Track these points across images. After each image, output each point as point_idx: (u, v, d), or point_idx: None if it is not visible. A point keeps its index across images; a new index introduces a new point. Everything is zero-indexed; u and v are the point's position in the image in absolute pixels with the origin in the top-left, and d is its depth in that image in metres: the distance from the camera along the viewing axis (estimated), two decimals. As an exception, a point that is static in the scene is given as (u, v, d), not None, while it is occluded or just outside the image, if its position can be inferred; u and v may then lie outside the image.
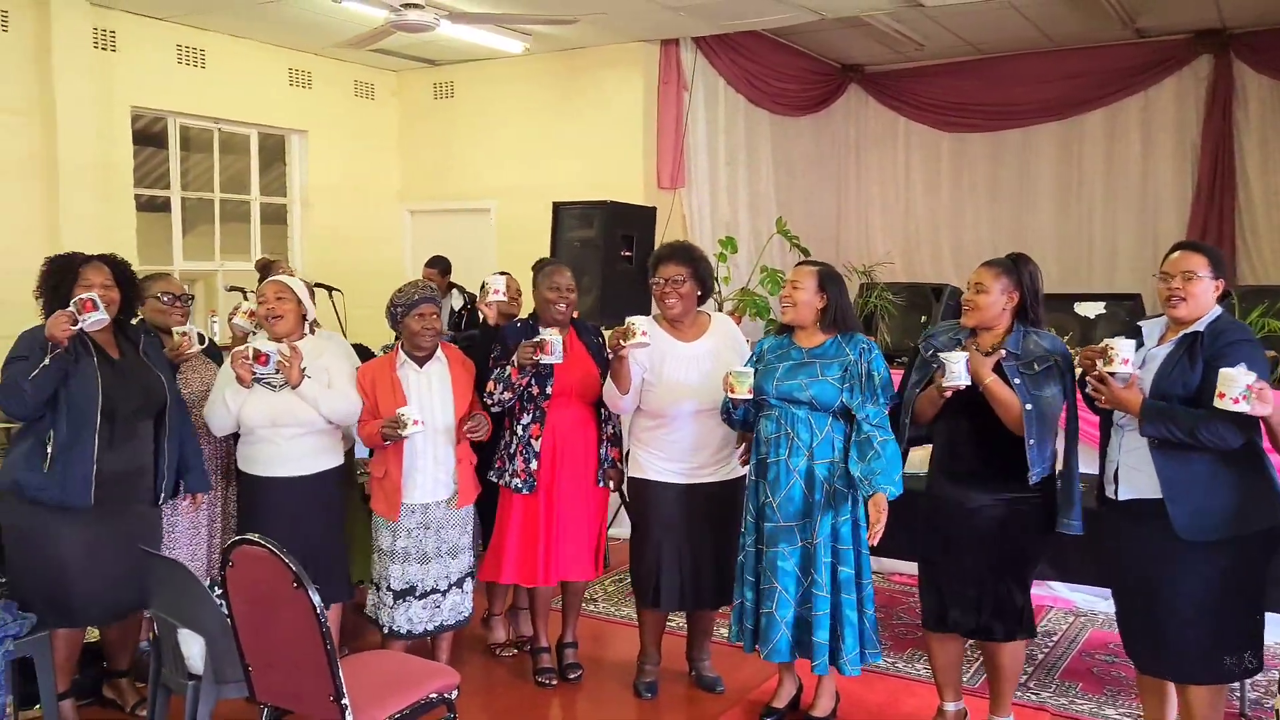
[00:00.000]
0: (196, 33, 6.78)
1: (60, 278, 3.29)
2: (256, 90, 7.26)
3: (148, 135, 6.92)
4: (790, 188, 8.75)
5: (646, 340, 3.40)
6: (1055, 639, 4.41)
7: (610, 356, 3.54)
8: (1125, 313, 5.21)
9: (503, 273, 4.42)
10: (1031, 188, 8.91)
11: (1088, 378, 2.99)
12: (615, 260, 5.82)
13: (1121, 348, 2.87)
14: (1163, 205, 8.37)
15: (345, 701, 2.59)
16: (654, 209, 6.34)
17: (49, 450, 3.21)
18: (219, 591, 2.95)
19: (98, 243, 5.53)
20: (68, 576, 3.28)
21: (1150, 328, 3.08)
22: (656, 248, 3.89)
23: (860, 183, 9.62)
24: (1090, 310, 5.37)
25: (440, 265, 6.55)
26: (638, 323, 3.39)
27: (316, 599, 2.55)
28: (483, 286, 4.31)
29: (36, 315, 3.29)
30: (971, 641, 3.44)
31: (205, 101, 6.95)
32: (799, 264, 3.49)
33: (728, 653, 3.98)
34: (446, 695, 2.92)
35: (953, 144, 9.24)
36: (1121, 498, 2.99)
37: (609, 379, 3.62)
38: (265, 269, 5.51)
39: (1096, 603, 4.77)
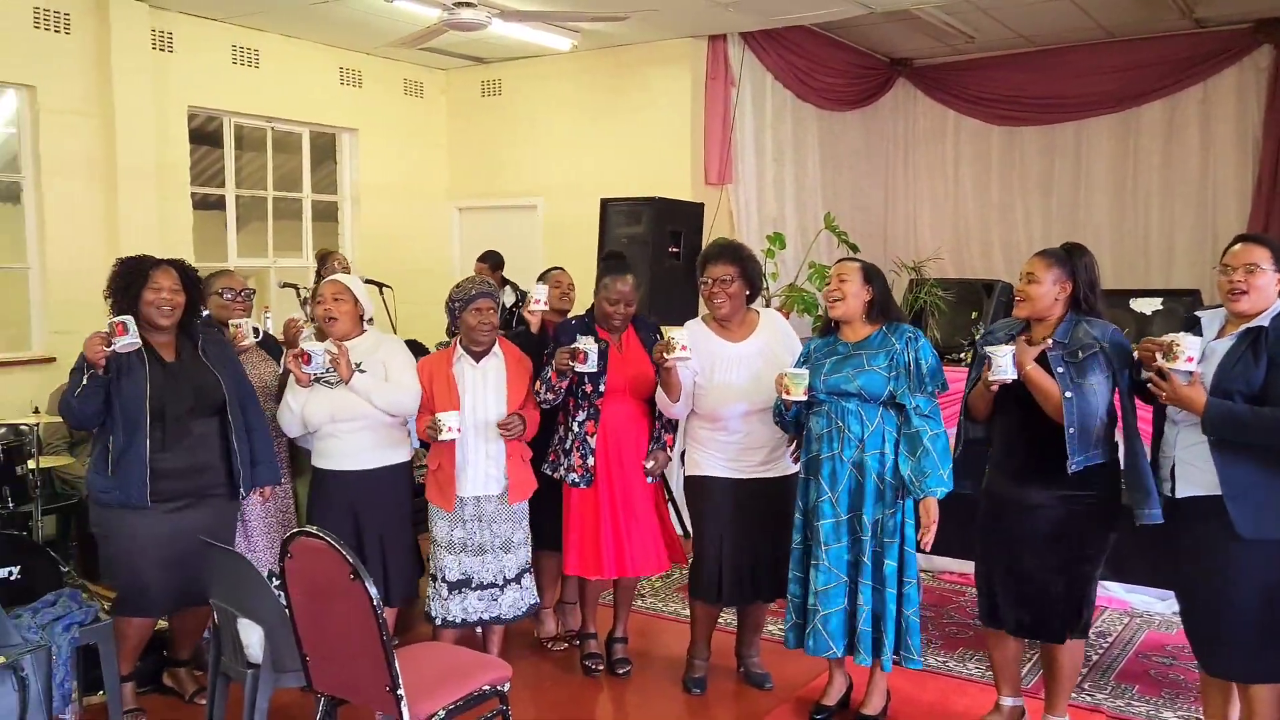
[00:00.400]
0: (251, 33, 6.88)
1: (130, 280, 3.39)
2: (309, 89, 7.36)
3: (201, 134, 7.04)
4: (837, 183, 8.67)
5: (687, 354, 3.41)
6: (1110, 640, 4.34)
7: (659, 369, 3.55)
8: (1183, 308, 5.12)
9: (555, 268, 4.43)
10: (1086, 182, 8.73)
11: (1147, 371, 2.93)
12: (663, 257, 5.82)
13: (1188, 345, 2.80)
14: (1222, 199, 8.17)
15: (400, 692, 2.63)
16: (701, 205, 6.33)
17: (110, 455, 3.34)
18: (277, 582, 3.02)
19: (156, 242, 5.70)
20: (140, 570, 3.40)
21: (1209, 319, 3.00)
22: (705, 246, 3.87)
23: (909, 178, 9.50)
24: (1147, 306, 5.28)
25: (491, 260, 6.49)
26: (677, 336, 3.38)
27: (374, 591, 2.58)
28: (525, 295, 4.30)
29: (103, 314, 3.38)
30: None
31: (259, 100, 7.05)
32: (841, 260, 3.48)
33: (776, 649, 3.97)
34: (499, 688, 2.94)
35: (1003, 138, 9.09)
36: (1179, 495, 2.93)
37: (660, 389, 3.63)
38: (323, 259, 5.59)
39: (1153, 604, 4.70)
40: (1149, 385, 2.91)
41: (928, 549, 3.23)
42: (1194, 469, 2.89)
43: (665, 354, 3.39)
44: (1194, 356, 2.79)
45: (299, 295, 5.90)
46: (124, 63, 6.04)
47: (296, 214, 7.71)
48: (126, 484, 3.33)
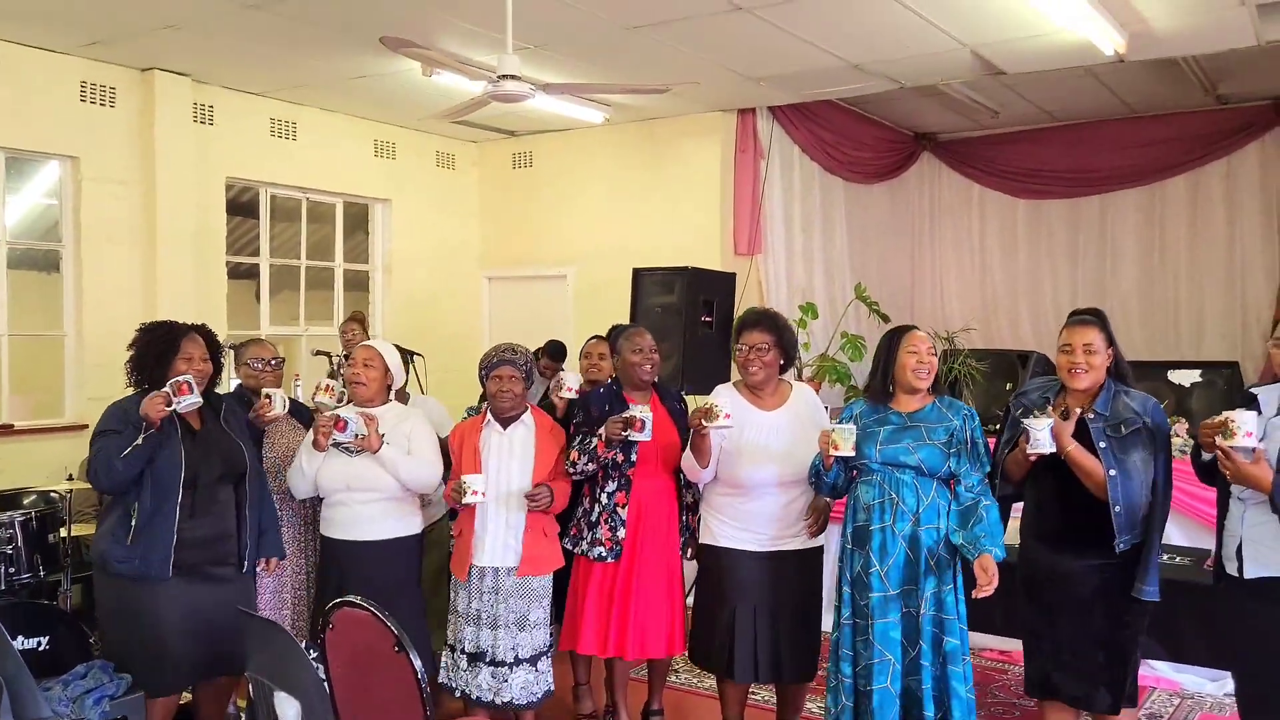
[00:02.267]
0: (290, 106, 7.03)
1: (163, 349, 3.36)
2: (344, 161, 7.48)
3: (236, 204, 7.16)
4: (865, 254, 8.71)
5: (729, 423, 3.36)
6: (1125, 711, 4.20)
7: (693, 434, 3.50)
8: (1223, 380, 5.07)
9: (593, 337, 4.42)
10: (1113, 253, 8.73)
11: (1209, 451, 2.88)
12: (696, 326, 5.82)
13: (1243, 421, 2.74)
14: (1250, 272, 8.15)
15: (443, 770, 2.55)
16: (734, 274, 6.35)
17: (133, 522, 3.28)
18: (313, 654, 2.96)
19: (194, 309, 5.75)
20: (159, 645, 3.32)
21: (1267, 395, 2.96)
22: (740, 313, 3.85)
23: (935, 249, 9.52)
24: (1185, 379, 5.23)
25: (551, 350, 6.22)
26: (721, 404, 3.33)
27: (418, 664, 2.52)
28: (558, 380, 4.25)
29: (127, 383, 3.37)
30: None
31: (295, 171, 7.17)
32: (913, 329, 3.36)
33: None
34: (540, 767, 2.86)
35: (1029, 210, 9.13)
36: (1248, 576, 2.85)
37: (688, 451, 3.58)
38: (353, 320, 5.61)
39: (1204, 684, 4.55)
40: (1220, 468, 2.83)
41: (986, 593, 3.11)
42: (1264, 549, 2.83)
43: (705, 420, 3.34)
44: (1252, 431, 2.73)
45: (331, 363, 5.92)
46: (166, 135, 6.17)
47: (328, 283, 7.78)
48: (148, 555, 3.26)
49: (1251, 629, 2.88)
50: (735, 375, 3.73)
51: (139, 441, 3.20)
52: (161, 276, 6.12)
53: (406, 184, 7.95)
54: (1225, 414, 2.80)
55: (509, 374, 3.64)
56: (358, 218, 7.95)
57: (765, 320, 3.62)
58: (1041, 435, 2.92)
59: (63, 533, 4.64)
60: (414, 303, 7.97)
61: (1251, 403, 2.96)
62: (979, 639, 4.89)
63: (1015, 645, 4.84)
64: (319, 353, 5.92)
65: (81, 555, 5.13)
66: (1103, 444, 2.96)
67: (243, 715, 3.98)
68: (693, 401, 3.46)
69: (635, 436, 3.49)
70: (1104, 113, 8.36)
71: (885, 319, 7.07)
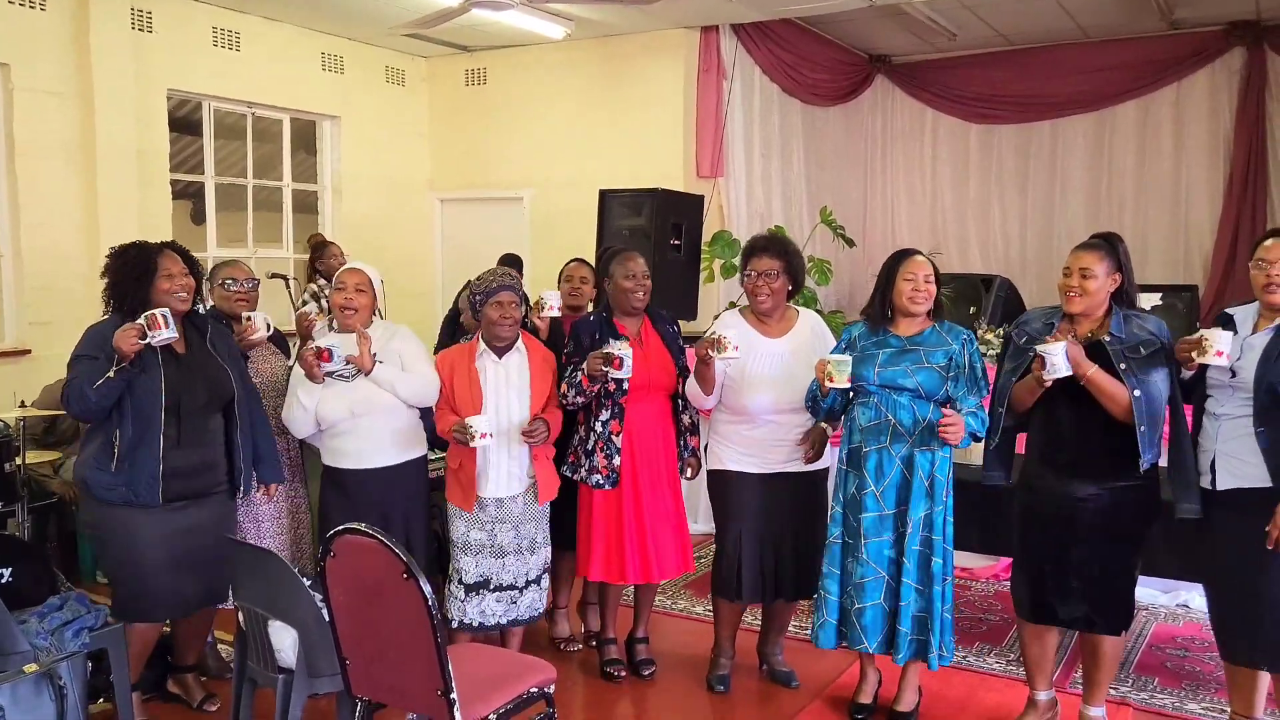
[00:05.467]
0: (233, 15, 6.68)
1: (142, 270, 3.18)
2: (290, 74, 7.17)
3: (179, 121, 6.81)
4: (821, 178, 8.70)
5: (738, 355, 3.32)
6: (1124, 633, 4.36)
7: (697, 362, 3.46)
8: (1183, 304, 5.18)
9: (573, 260, 4.32)
10: (1062, 180, 8.87)
11: (1187, 370, 2.99)
12: (665, 249, 5.75)
13: (1216, 338, 2.85)
14: (1195, 198, 8.35)
15: (454, 696, 2.52)
16: (701, 197, 6.28)
17: (116, 450, 3.16)
18: (309, 583, 2.90)
19: (137, 230, 5.48)
20: (144, 572, 3.23)
21: (1242, 315, 3.04)
22: (748, 240, 3.78)
23: (887, 174, 9.57)
24: (1146, 302, 5.31)
25: (509, 263, 6.18)
26: (730, 336, 3.29)
27: (428, 590, 2.47)
28: (538, 301, 4.10)
29: (82, 303, 3.20)
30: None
31: (239, 84, 6.85)
32: (915, 254, 3.35)
33: (798, 647, 3.93)
34: (545, 690, 2.85)
35: (981, 136, 9.19)
36: (1220, 487, 2.96)
37: (692, 379, 3.55)
38: (319, 248, 5.42)
39: (1157, 596, 4.74)
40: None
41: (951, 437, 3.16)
42: (1237, 462, 2.92)
43: (713, 351, 3.30)
44: (1223, 350, 2.83)
45: (288, 287, 5.72)
46: (102, 42, 5.83)
47: (275, 204, 7.49)
48: (135, 481, 3.15)
49: (1223, 538, 2.98)
50: (703, 299, 3.68)
51: (111, 374, 3.05)
52: (102, 195, 5.82)
53: (355, 100, 7.65)
54: (1201, 332, 2.90)
55: (509, 299, 3.52)
56: (304, 136, 7.64)
57: (774, 245, 3.56)
58: (1058, 359, 2.93)
59: (17, 461, 4.44)
60: (364, 225, 7.74)
61: (1228, 323, 3.04)
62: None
63: (977, 561, 5.01)
64: (275, 275, 5.71)
65: (32, 486, 4.94)
66: (1123, 365, 2.99)
67: (219, 647, 3.91)
68: (719, 333, 3.37)
69: (615, 374, 3.43)
70: (1058, 37, 8.40)
71: (851, 244, 7.08)
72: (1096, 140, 8.71)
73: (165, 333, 3.02)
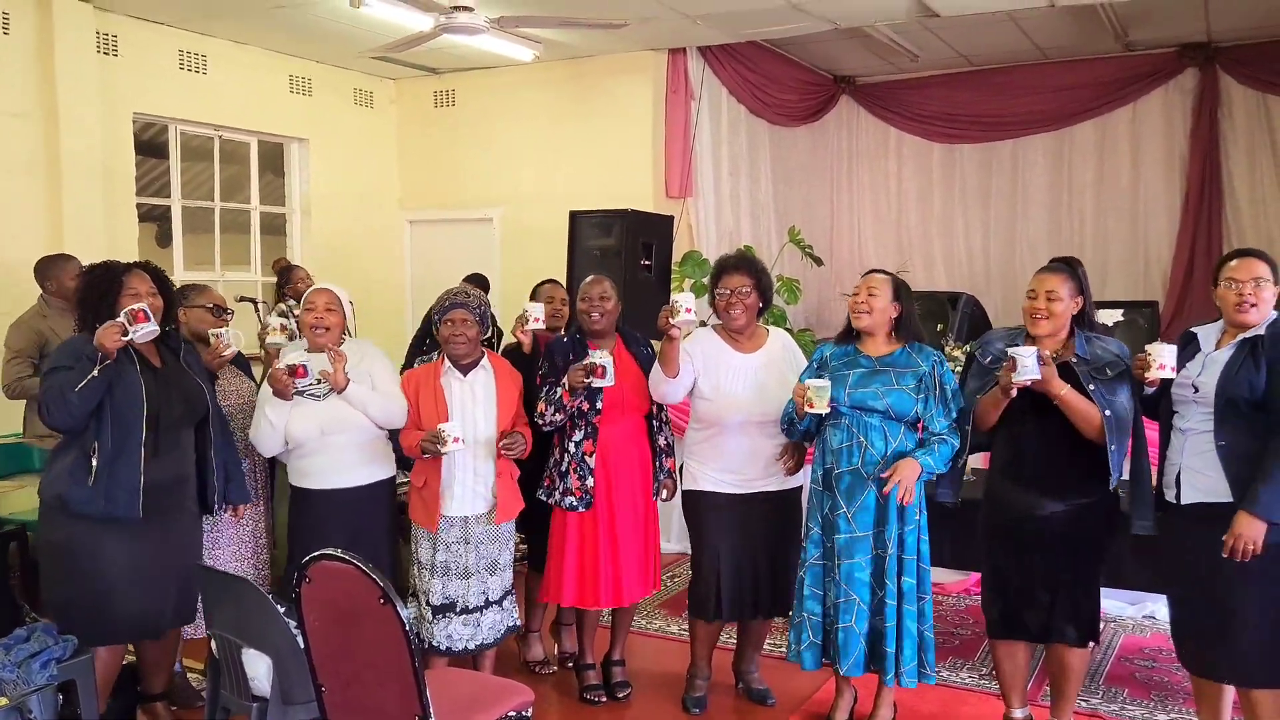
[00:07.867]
0: (198, 38, 6.65)
1: (106, 287, 3.18)
2: (257, 97, 7.14)
3: (145, 145, 6.76)
4: (789, 197, 8.79)
5: (692, 316, 3.37)
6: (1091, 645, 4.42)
7: (662, 342, 3.50)
8: (1144, 319, 5.28)
9: (548, 280, 4.33)
10: (1023, 197, 9.04)
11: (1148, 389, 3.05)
12: (635, 269, 5.77)
13: (1158, 352, 2.94)
14: (1153, 214, 8.53)
15: (432, 720, 2.52)
16: (671, 217, 6.31)
17: (93, 463, 3.11)
18: (283, 609, 2.87)
19: (105, 253, 5.42)
20: (110, 590, 3.17)
21: (1205, 333, 3.11)
22: (718, 259, 3.84)
23: (853, 192, 9.69)
24: (1108, 318, 5.44)
25: (475, 283, 6.06)
26: (681, 299, 3.35)
27: (406, 614, 2.47)
28: (521, 315, 4.08)
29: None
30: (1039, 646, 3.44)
31: (206, 108, 6.81)
32: (872, 272, 3.46)
33: (774, 665, 3.95)
34: (523, 713, 2.85)
35: (944, 154, 9.35)
36: (1184, 501, 3.01)
37: (656, 364, 3.57)
38: (285, 272, 5.40)
39: (1124, 608, 4.80)
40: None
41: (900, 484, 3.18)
42: (1201, 475, 2.97)
43: (670, 318, 3.35)
44: (1165, 363, 2.93)
45: (257, 310, 5.68)
46: (67, 66, 5.78)
47: (243, 226, 7.45)
48: (113, 495, 3.10)
49: (1186, 551, 3.03)
50: (710, 320, 3.73)
51: (95, 374, 3.03)
52: (68, 217, 5.76)
53: (323, 122, 7.63)
54: (1146, 348, 3.00)
55: (461, 317, 3.53)
56: (272, 158, 7.61)
57: (745, 264, 3.62)
58: (1029, 361, 2.97)
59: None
60: (333, 246, 7.71)
61: (1191, 340, 3.11)
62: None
63: (948, 576, 5.06)
64: (244, 299, 5.66)
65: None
66: (1092, 386, 3.05)
67: (189, 676, 3.86)
68: (672, 299, 3.43)
69: (598, 383, 3.46)
70: (1018, 58, 8.57)
71: (819, 262, 7.15)
72: (1056, 158, 8.89)
73: (147, 326, 3.01)
